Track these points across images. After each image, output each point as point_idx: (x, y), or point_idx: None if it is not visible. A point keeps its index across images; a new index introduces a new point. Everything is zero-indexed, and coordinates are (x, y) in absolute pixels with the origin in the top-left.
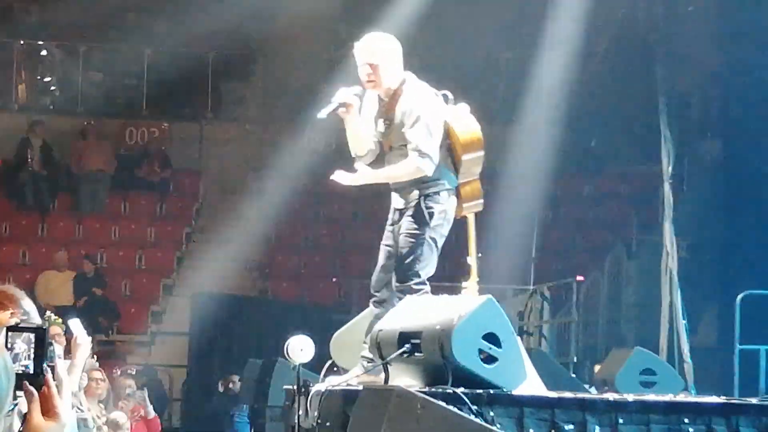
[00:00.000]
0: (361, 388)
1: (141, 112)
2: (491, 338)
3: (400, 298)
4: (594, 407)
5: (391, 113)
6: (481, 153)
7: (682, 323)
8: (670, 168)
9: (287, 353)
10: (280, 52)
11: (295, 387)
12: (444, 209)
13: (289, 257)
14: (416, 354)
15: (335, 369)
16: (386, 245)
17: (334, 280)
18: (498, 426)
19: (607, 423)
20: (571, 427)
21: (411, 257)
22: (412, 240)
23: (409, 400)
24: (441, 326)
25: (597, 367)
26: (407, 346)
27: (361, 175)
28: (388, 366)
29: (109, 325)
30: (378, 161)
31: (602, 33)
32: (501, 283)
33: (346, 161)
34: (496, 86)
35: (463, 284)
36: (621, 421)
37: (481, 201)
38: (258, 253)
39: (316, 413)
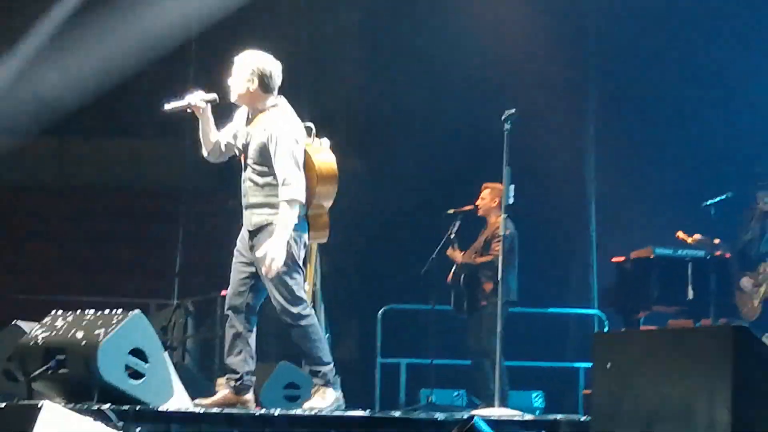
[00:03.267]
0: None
1: None
2: (138, 353)
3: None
4: (241, 422)
5: (253, 130)
6: (335, 187)
7: (324, 337)
8: None
9: None
10: None
11: None
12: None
13: None
14: (62, 370)
15: None
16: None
17: None
18: None
19: None
20: None
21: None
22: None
23: (54, 416)
24: (86, 341)
25: None
26: (53, 361)
27: (274, 245)
28: (32, 382)
29: None
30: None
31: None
32: (144, 297)
33: None
34: None
35: None
36: None
37: (327, 232)
38: None
39: None
